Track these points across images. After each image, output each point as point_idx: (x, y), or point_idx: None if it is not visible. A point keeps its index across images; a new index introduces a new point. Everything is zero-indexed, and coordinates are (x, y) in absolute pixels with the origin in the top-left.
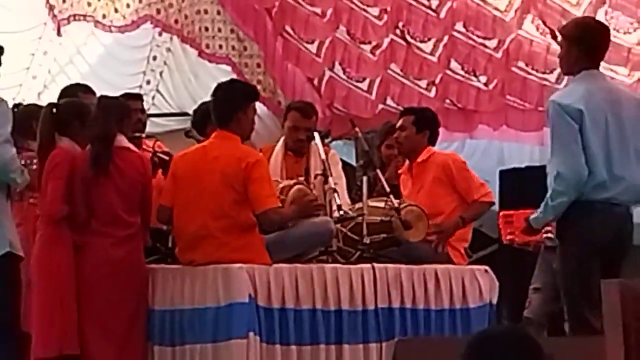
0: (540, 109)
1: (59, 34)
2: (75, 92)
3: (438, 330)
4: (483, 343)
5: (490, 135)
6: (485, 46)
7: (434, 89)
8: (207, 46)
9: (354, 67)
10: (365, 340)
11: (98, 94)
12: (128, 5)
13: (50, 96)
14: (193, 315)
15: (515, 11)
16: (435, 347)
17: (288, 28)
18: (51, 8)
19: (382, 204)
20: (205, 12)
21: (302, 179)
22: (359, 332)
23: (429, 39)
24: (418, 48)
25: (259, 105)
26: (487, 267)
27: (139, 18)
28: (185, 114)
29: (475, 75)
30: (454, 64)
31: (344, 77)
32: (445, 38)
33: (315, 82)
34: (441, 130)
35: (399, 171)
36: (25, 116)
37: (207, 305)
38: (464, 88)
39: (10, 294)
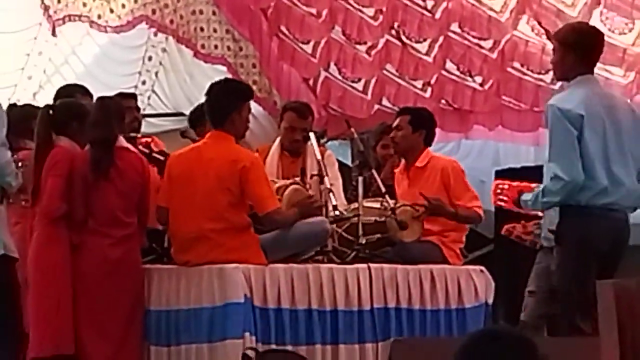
0: (536, 109)
1: (54, 34)
2: (73, 93)
3: (434, 331)
4: (478, 343)
5: (485, 135)
6: (481, 47)
7: (429, 89)
8: (203, 46)
9: (349, 67)
10: (361, 340)
11: (94, 95)
12: (123, 6)
13: (46, 96)
14: (189, 316)
15: (511, 12)
16: (431, 347)
17: (283, 28)
18: (46, 8)
19: (377, 205)
20: (201, 12)
21: (297, 179)
22: (354, 332)
23: (425, 40)
24: (413, 48)
25: (254, 106)
26: (482, 267)
27: (135, 18)
28: (181, 114)
29: (470, 76)
30: (449, 65)
31: (339, 77)
32: (441, 38)
33: (311, 82)
34: (437, 130)
35: (396, 170)
36: (23, 116)
37: (203, 306)
38: (459, 88)
39: (6, 295)
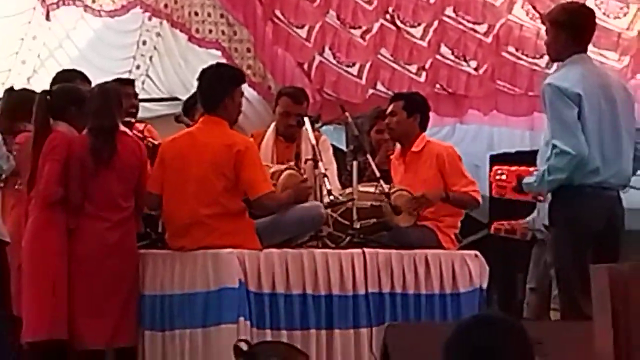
0: (531, 93)
1: (48, 18)
2: (72, 79)
3: (428, 315)
4: (470, 329)
5: (480, 120)
6: (475, 31)
7: (424, 73)
8: (197, 31)
9: (344, 52)
10: (356, 325)
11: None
12: None
13: (40, 81)
14: (183, 300)
15: None
16: (426, 332)
17: (278, 13)
18: None
19: (372, 189)
20: None
21: (292, 164)
22: (349, 317)
23: (419, 24)
24: (408, 33)
25: (249, 90)
26: (477, 252)
27: (129, 2)
28: (175, 99)
29: (465, 60)
30: (444, 49)
31: (334, 62)
32: (435, 23)
33: (305, 66)
34: (431, 115)
35: (390, 155)
36: (22, 100)
37: (197, 290)
38: (454, 73)
39: None
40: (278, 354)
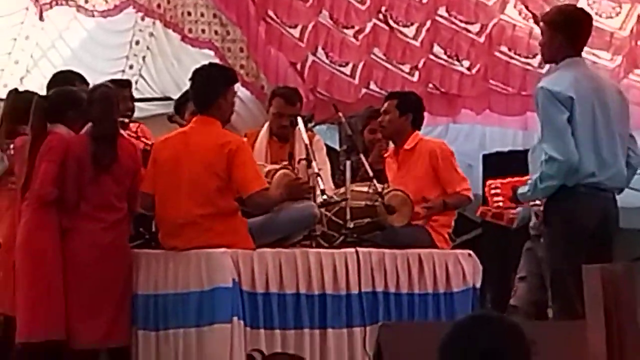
0: (524, 93)
1: (41, 18)
2: (71, 80)
3: (422, 315)
4: (465, 329)
5: (473, 119)
6: (468, 31)
7: (417, 73)
8: (190, 31)
9: (337, 51)
10: (349, 324)
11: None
12: None
13: (33, 81)
14: (177, 300)
15: None
16: (419, 332)
17: (271, 12)
18: None
19: (366, 189)
20: None
21: (285, 163)
22: (342, 317)
23: (412, 24)
24: (401, 33)
25: (242, 90)
26: (470, 252)
27: (122, 2)
28: (168, 99)
29: (458, 60)
30: (436, 49)
31: (327, 61)
32: (428, 23)
33: (298, 66)
34: (425, 114)
35: (385, 155)
36: (25, 101)
37: (191, 290)
38: (447, 72)
39: None
40: None
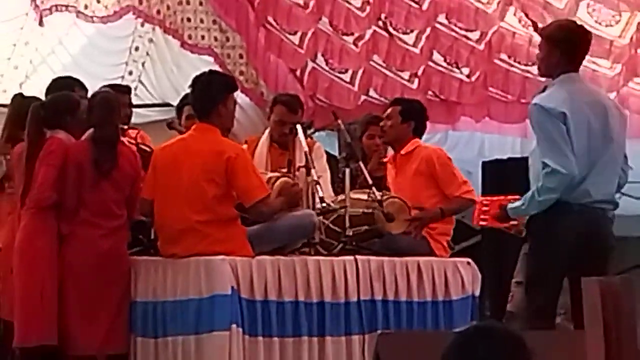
0: (523, 101)
1: (41, 24)
2: (70, 86)
3: (420, 323)
4: (468, 340)
5: (472, 127)
6: (468, 38)
7: (416, 80)
8: (190, 37)
9: (336, 58)
10: (348, 332)
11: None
12: None
13: (33, 86)
14: (175, 307)
15: (498, 3)
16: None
17: (270, 19)
18: None
19: (364, 196)
20: (188, 2)
21: (284, 171)
22: (341, 324)
23: (412, 31)
24: (400, 40)
25: (241, 97)
26: (469, 259)
27: (121, 8)
28: (168, 105)
29: (457, 67)
30: (436, 56)
31: (326, 68)
32: (428, 30)
33: (298, 73)
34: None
35: (385, 160)
36: (27, 108)
37: (190, 297)
38: (446, 80)
39: None
40: None
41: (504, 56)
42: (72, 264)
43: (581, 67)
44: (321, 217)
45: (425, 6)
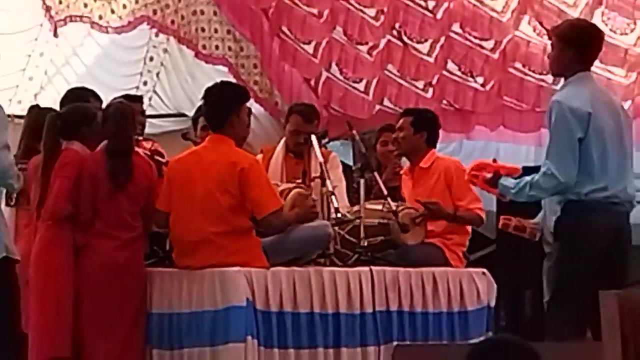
0: (538, 109)
1: (55, 35)
2: (85, 97)
3: (436, 334)
4: (483, 353)
5: (487, 136)
6: (482, 47)
7: (431, 89)
8: (204, 47)
9: (350, 67)
10: (363, 343)
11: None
12: (124, 6)
13: (47, 97)
14: (191, 319)
15: (512, 12)
16: (433, 354)
17: (285, 29)
18: (47, 9)
19: (379, 207)
20: (202, 12)
21: (299, 181)
22: (356, 336)
23: (426, 40)
24: (415, 49)
25: (256, 106)
26: (484, 270)
27: (136, 19)
28: (182, 115)
29: (472, 76)
30: (450, 65)
31: (340, 77)
32: (442, 39)
33: (312, 82)
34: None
35: (401, 171)
36: (44, 119)
37: (205, 309)
38: (460, 89)
39: (8, 297)
40: None
41: (518, 65)
42: (88, 275)
43: (595, 76)
44: (336, 228)
45: (439, 15)
